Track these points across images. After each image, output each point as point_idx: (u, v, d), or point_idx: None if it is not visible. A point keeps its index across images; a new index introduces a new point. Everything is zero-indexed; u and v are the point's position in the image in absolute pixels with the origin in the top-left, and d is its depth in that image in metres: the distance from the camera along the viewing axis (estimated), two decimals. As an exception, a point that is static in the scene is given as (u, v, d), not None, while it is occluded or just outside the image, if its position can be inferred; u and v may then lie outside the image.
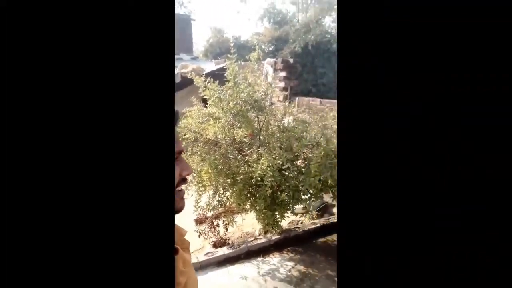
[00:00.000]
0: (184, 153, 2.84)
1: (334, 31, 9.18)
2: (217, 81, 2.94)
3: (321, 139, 2.85)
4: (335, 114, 2.81)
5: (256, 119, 3.00)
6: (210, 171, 2.66)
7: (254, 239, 2.76)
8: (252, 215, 2.77)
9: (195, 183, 2.69)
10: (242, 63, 4.02)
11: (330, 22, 9.66)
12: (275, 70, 4.76)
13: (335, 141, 2.75)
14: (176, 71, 6.52)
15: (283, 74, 4.59)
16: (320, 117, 2.92)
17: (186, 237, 0.60)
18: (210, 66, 7.48)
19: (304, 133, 2.90)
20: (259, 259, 2.60)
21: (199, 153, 2.80)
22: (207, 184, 2.69)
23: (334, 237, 2.92)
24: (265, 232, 2.85)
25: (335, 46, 8.49)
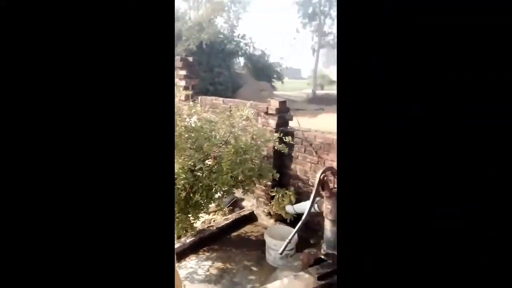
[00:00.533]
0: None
1: (226, 31, 9.41)
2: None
3: (230, 137, 2.93)
4: (241, 113, 2.92)
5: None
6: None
7: (169, 245, 2.62)
8: (165, 220, 2.62)
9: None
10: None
11: (222, 22, 9.86)
12: (174, 68, 4.58)
13: (243, 138, 2.88)
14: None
15: (183, 72, 4.46)
16: (227, 116, 2.98)
17: None
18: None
19: (213, 132, 2.92)
20: (176, 265, 2.49)
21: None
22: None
23: (246, 229, 3.05)
24: (179, 237, 2.75)
25: (228, 46, 8.75)
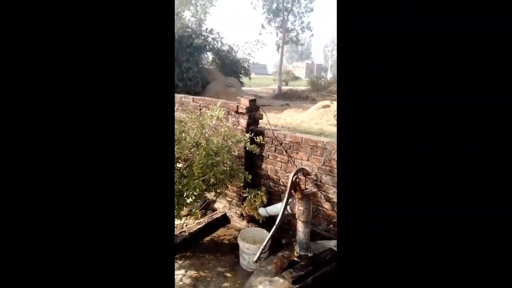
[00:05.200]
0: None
1: (194, 25, 8.92)
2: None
3: (200, 138, 2.69)
4: (212, 113, 2.68)
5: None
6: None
7: (138, 256, 2.35)
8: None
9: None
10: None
11: (189, 16, 9.32)
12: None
13: (214, 139, 2.66)
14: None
15: (150, 68, 4.07)
16: (197, 117, 2.72)
17: None
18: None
19: (183, 134, 2.65)
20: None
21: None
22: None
23: (219, 232, 2.86)
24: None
25: (196, 41, 8.31)
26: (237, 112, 2.97)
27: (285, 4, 14.76)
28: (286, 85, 16.70)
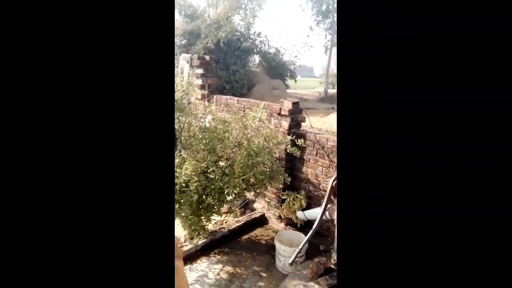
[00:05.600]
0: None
1: (243, 29, 9.15)
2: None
3: (243, 139, 2.75)
4: (255, 114, 2.73)
5: (176, 120, 2.68)
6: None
7: (180, 247, 2.49)
8: (177, 221, 2.49)
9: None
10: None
11: (239, 20, 9.57)
12: (191, 66, 4.40)
13: (256, 140, 2.70)
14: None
15: (200, 71, 4.27)
16: (240, 117, 2.79)
17: None
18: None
19: (226, 133, 2.75)
20: (187, 267, 2.37)
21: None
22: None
23: (257, 232, 2.90)
24: (191, 238, 2.61)
25: (244, 44, 8.50)
26: (279, 114, 2.98)
27: (335, 5, 14.34)
28: (333, 88, 16.20)
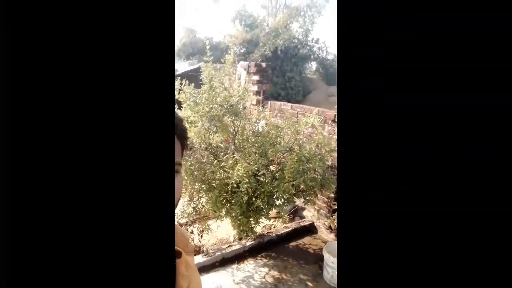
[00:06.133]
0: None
1: (301, 36, 9.14)
2: (192, 84, 2.69)
3: (294, 144, 2.74)
4: (307, 119, 2.70)
5: (231, 123, 2.80)
6: (185, 177, 2.42)
7: (228, 246, 2.58)
8: (227, 221, 2.58)
9: (169, 189, 2.44)
10: (218, 65, 3.76)
11: (297, 27, 9.59)
12: (248, 73, 4.55)
13: (307, 146, 2.66)
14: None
15: (256, 77, 4.40)
16: (293, 123, 2.79)
17: None
18: (183, 66, 7.08)
19: (278, 138, 2.77)
20: (234, 266, 2.43)
21: (173, 158, 2.55)
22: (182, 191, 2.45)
23: (305, 240, 2.83)
24: (240, 239, 2.68)
25: (301, 51, 8.48)
26: (334, 121, 2.89)
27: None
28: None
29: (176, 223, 0.55)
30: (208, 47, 2.69)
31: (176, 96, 2.64)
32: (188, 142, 0.52)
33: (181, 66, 7.14)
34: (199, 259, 2.40)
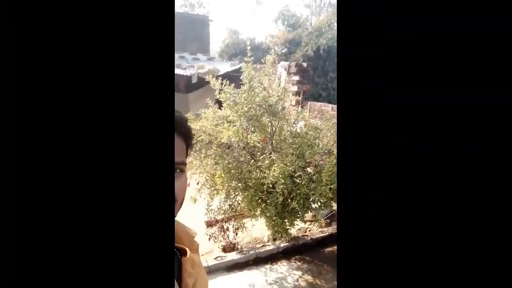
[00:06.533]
0: (198, 156, 2.68)
1: (345, 35, 8.79)
2: (233, 84, 2.75)
3: (333, 146, 2.65)
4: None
5: (269, 124, 2.80)
6: (223, 175, 2.48)
7: (262, 246, 2.58)
8: (261, 220, 2.59)
9: (208, 186, 2.52)
10: (258, 66, 3.80)
11: (342, 27, 9.23)
12: (288, 73, 4.52)
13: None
14: (193, 71, 6.32)
15: (296, 78, 4.35)
16: (332, 124, 2.69)
17: (196, 239, 0.57)
18: (225, 67, 7.26)
19: (316, 140, 2.70)
20: (267, 266, 2.43)
21: (212, 156, 2.63)
22: (219, 188, 2.52)
23: (342, 246, 2.72)
24: (274, 239, 2.67)
25: (346, 50, 8.16)
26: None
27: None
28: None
29: (181, 222, 0.54)
30: (249, 47, 2.72)
31: (217, 96, 2.72)
32: (193, 142, 0.52)
33: (223, 67, 7.33)
34: (233, 256, 2.44)
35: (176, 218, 0.49)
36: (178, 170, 0.47)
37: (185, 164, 0.49)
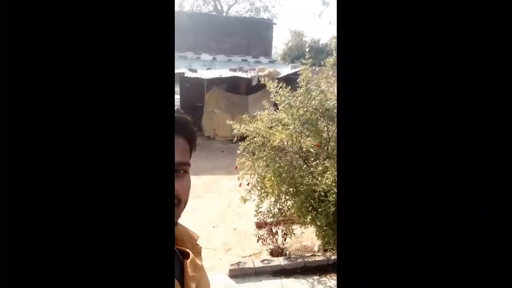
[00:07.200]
0: (251, 157, 2.71)
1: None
2: (290, 86, 2.71)
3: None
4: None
5: (325, 129, 2.68)
6: (273, 178, 2.46)
7: (312, 255, 2.48)
8: (311, 229, 2.48)
9: (258, 188, 2.53)
10: (317, 68, 3.67)
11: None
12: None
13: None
14: (253, 73, 6.47)
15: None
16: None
17: (206, 241, 0.59)
18: (286, 69, 7.23)
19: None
20: (315, 277, 2.31)
21: (264, 158, 2.63)
22: (269, 191, 2.50)
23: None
24: (325, 250, 2.53)
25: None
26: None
27: None
28: None
29: (184, 225, 0.54)
30: (307, 49, 2.65)
31: (273, 99, 2.71)
32: (196, 143, 0.52)
33: (284, 69, 7.32)
34: (281, 261, 2.39)
35: (182, 220, 0.50)
36: (181, 171, 0.48)
37: (188, 165, 0.49)
